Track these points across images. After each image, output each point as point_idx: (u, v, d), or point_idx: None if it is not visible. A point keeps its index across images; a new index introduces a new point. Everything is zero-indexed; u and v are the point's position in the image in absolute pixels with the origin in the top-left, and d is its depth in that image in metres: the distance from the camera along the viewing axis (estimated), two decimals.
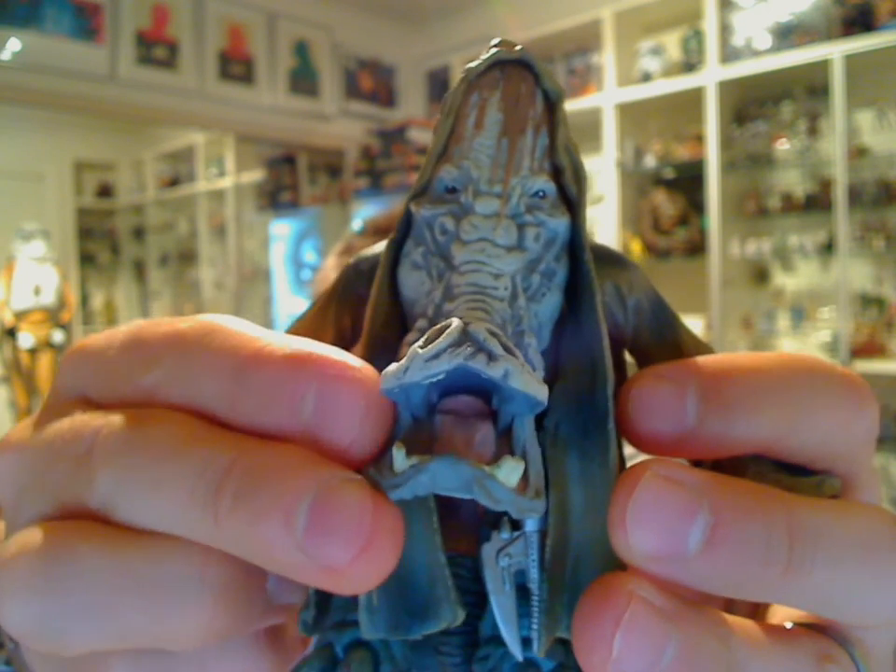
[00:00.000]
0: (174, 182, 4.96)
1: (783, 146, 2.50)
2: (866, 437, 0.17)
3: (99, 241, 5.33)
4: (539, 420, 0.16)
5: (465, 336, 0.14)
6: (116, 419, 0.16)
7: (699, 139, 2.63)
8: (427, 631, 0.16)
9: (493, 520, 0.17)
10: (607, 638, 0.13)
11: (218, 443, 0.15)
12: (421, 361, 0.13)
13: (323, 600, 0.17)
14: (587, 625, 0.14)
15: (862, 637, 0.17)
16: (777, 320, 2.63)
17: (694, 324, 2.70)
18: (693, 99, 2.56)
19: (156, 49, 3.06)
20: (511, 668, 0.17)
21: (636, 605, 0.13)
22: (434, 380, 0.13)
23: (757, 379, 0.16)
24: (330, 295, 0.20)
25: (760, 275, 2.70)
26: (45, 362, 4.10)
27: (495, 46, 0.17)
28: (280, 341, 0.16)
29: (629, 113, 2.79)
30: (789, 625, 0.17)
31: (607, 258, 0.19)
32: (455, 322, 0.14)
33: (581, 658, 0.14)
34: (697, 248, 2.69)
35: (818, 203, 2.44)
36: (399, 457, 0.13)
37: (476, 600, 0.17)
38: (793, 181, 2.58)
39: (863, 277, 2.42)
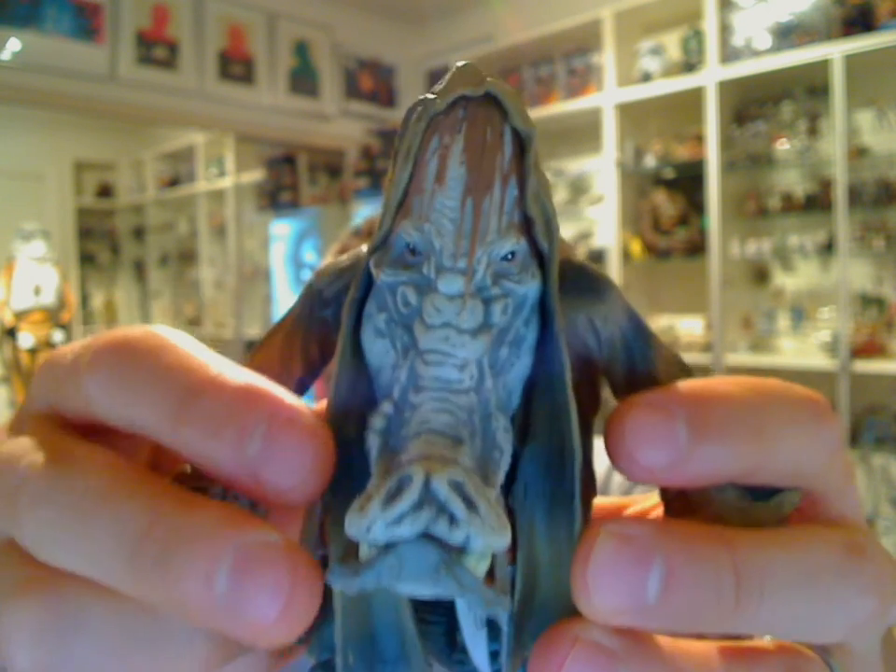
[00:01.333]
0: (174, 182, 4.96)
1: (783, 146, 2.50)
2: (830, 452, 0.17)
3: (99, 241, 5.33)
4: (509, 482, 0.16)
5: (426, 493, 0.14)
6: (41, 458, 0.16)
7: (699, 139, 2.63)
8: None
9: None
10: None
11: (139, 497, 0.15)
12: (383, 525, 0.13)
13: (312, 625, 0.18)
14: (535, 670, 0.15)
15: (843, 643, 0.17)
16: (777, 320, 2.63)
17: (694, 324, 2.70)
18: (693, 99, 2.56)
19: (156, 48, 3.06)
20: None
21: (578, 649, 0.14)
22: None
23: (736, 407, 0.16)
24: (297, 318, 0.19)
25: (760, 275, 2.70)
26: None
27: (458, 72, 0.16)
28: (234, 371, 0.16)
29: (629, 113, 2.79)
30: (768, 639, 0.17)
31: (582, 286, 0.18)
32: (416, 477, 0.14)
33: None
34: (697, 248, 2.69)
35: (818, 202, 2.44)
36: (364, 546, 0.14)
37: (449, 605, 0.18)
38: (793, 181, 2.58)
39: (863, 277, 2.42)
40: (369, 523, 0.14)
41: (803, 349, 2.56)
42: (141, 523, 0.14)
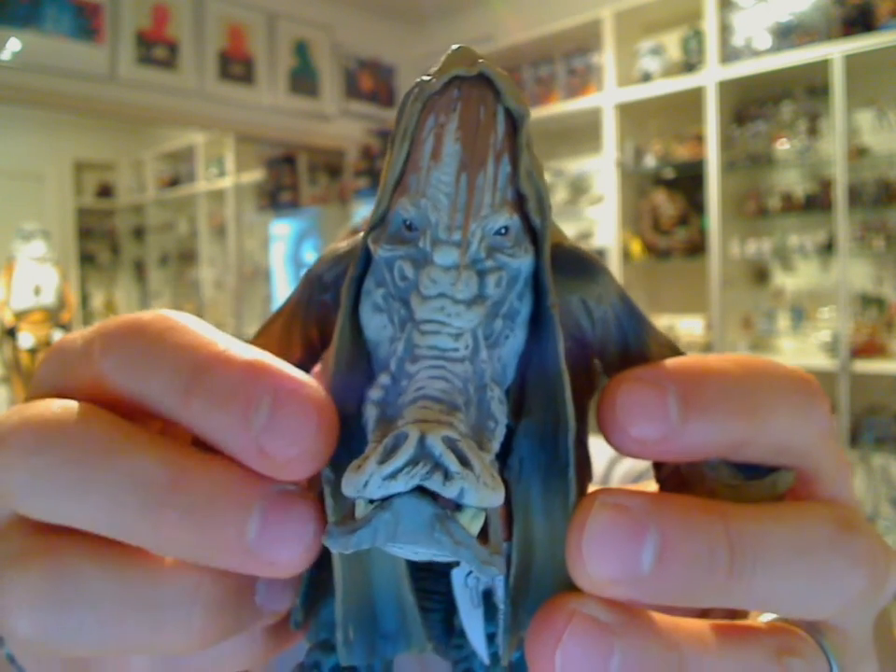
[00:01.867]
0: (174, 182, 4.96)
1: (783, 146, 2.50)
2: (821, 431, 0.17)
3: (99, 241, 5.33)
4: (504, 456, 0.16)
5: (421, 450, 0.14)
6: (40, 409, 0.16)
7: (699, 139, 2.63)
8: (399, 652, 0.17)
9: None
10: (549, 655, 0.15)
11: (157, 452, 0.16)
12: (379, 479, 0.14)
13: (310, 605, 0.18)
14: (534, 645, 0.15)
15: (835, 624, 0.17)
16: (777, 320, 2.63)
17: (694, 324, 2.70)
18: (693, 99, 2.56)
19: (156, 48, 3.06)
20: (481, 662, 0.18)
21: (576, 622, 0.15)
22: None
23: (727, 382, 0.16)
24: (296, 304, 0.19)
25: (760, 275, 2.70)
26: None
27: (452, 55, 0.16)
28: (240, 348, 0.16)
29: (629, 113, 2.79)
30: (766, 619, 0.17)
31: (575, 267, 0.18)
32: (412, 434, 0.14)
33: None
34: (697, 248, 2.69)
35: (818, 202, 2.44)
36: (362, 503, 0.14)
37: (451, 583, 0.18)
38: (793, 181, 2.58)
39: (863, 277, 2.42)
40: (365, 478, 0.14)
41: (803, 349, 2.56)
42: (163, 476, 0.15)
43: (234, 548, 0.15)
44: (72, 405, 0.17)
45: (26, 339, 4.01)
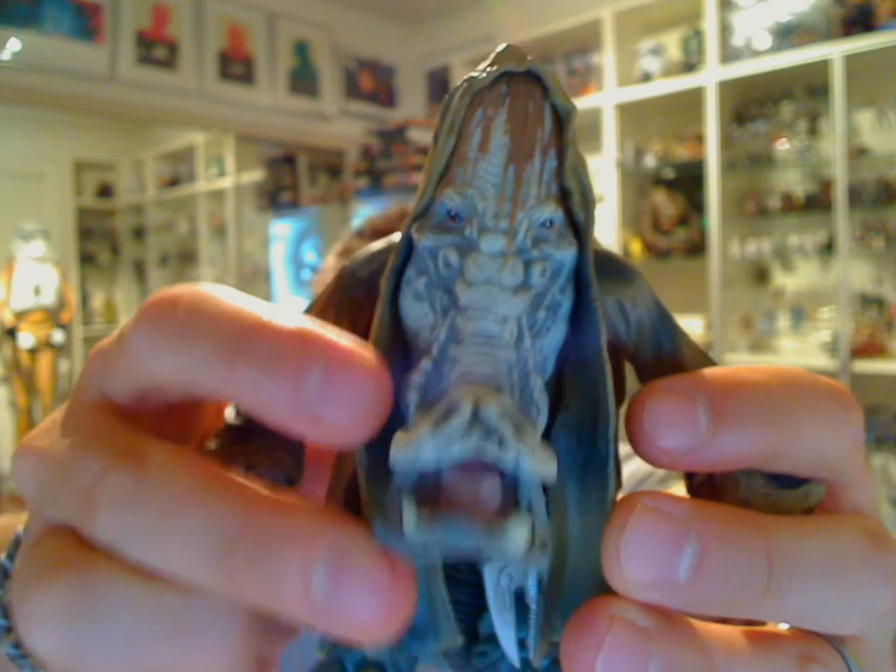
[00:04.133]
0: (174, 182, 4.96)
1: (783, 146, 2.50)
2: (853, 443, 0.17)
3: (99, 241, 5.33)
4: None
5: (476, 418, 0.14)
6: (116, 454, 0.16)
7: (699, 139, 2.63)
8: (428, 649, 0.17)
9: None
10: (590, 662, 0.14)
11: (226, 497, 0.15)
12: (434, 446, 0.14)
13: None
14: (573, 650, 0.15)
15: (858, 634, 0.17)
16: (777, 320, 2.63)
17: (694, 324, 2.70)
18: (693, 99, 2.56)
19: (156, 48, 3.06)
20: (509, 667, 0.18)
21: (617, 628, 0.14)
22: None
23: (758, 393, 0.16)
24: (328, 300, 0.19)
25: (760, 275, 2.70)
26: (45, 362, 4.10)
27: (501, 53, 0.16)
28: (286, 315, 0.16)
29: (629, 113, 2.79)
30: (785, 626, 0.17)
31: (611, 270, 0.18)
32: (466, 403, 0.14)
33: None
34: (697, 248, 2.69)
35: (818, 202, 2.44)
36: (410, 515, 0.14)
37: (474, 591, 0.18)
38: (793, 181, 2.58)
39: (863, 277, 2.42)
40: (417, 444, 0.14)
41: (803, 349, 2.56)
42: (232, 524, 0.14)
43: (301, 603, 0.14)
44: (140, 444, 0.16)
45: (26, 339, 4.01)
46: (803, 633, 0.17)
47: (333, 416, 0.15)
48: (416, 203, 0.17)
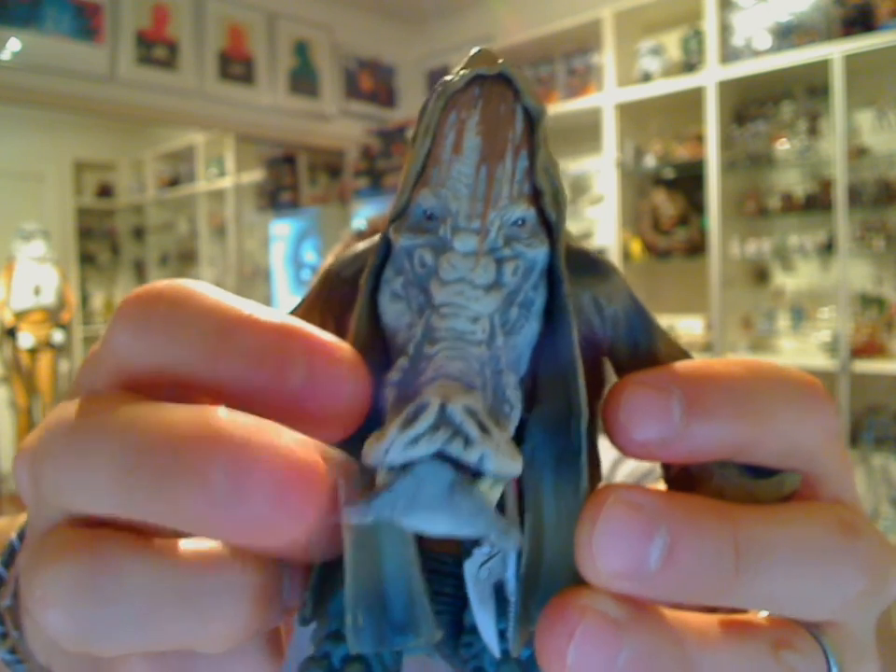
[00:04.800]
0: (174, 182, 4.96)
1: (783, 146, 2.50)
2: (825, 433, 0.18)
3: (99, 241, 5.33)
4: (517, 445, 0.17)
5: (442, 417, 0.14)
6: (67, 409, 0.16)
7: (699, 139, 2.63)
8: (409, 643, 0.17)
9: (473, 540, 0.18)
10: (562, 651, 0.15)
11: (138, 421, 0.15)
12: (401, 445, 0.14)
13: (319, 599, 0.18)
14: (545, 640, 0.15)
15: (835, 620, 0.17)
16: (777, 320, 2.63)
17: (694, 324, 2.70)
18: (693, 99, 2.56)
19: (156, 48, 3.06)
20: (492, 657, 0.18)
21: (588, 619, 0.15)
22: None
23: (731, 386, 0.17)
24: (314, 300, 0.20)
25: (760, 275, 2.70)
26: (45, 362, 4.10)
27: (474, 56, 0.17)
28: (267, 311, 0.16)
29: (629, 113, 2.79)
30: (764, 614, 0.17)
31: (586, 267, 0.19)
32: (433, 402, 0.14)
33: (543, 669, 0.15)
34: (697, 248, 2.69)
35: (818, 202, 2.45)
36: (382, 472, 0.14)
37: (459, 584, 0.18)
38: (793, 181, 2.58)
39: (863, 277, 2.43)
40: (387, 445, 0.14)
41: (803, 349, 2.56)
42: (139, 441, 0.14)
43: (202, 507, 0.14)
44: (95, 398, 0.16)
45: (26, 339, 4.01)
46: (778, 620, 0.17)
47: (319, 407, 0.15)
48: (394, 204, 0.17)
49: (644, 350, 0.19)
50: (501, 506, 0.16)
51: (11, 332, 4.02)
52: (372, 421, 0.16)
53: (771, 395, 0.17)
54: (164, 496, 0.14)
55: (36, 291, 4.03)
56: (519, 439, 0.17)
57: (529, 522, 0.17)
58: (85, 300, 5.08)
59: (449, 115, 0.17)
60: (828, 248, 2.42)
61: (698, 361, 0.17)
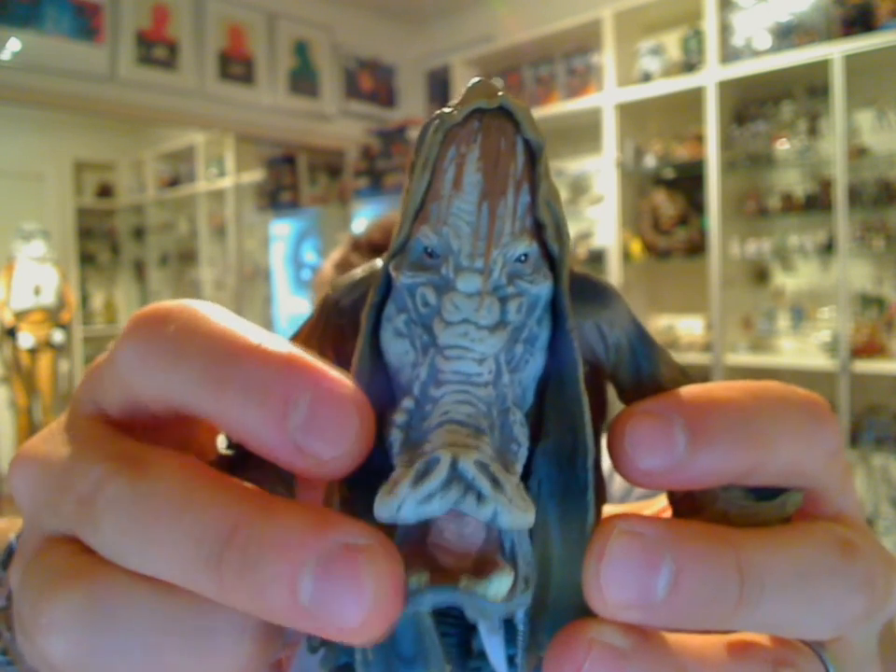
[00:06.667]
0: (174, 182, 4.96)
1: (783, 146, 2.50)
2: (828, 453, 0.18)
3: (99, 241, 5.33)
4: (524, 478, 0.17)
5: (453, 473, 0.14)
6: (114, 462, 0.16)
7: (699, 139, 2.63)
8: None
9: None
10: None
11: (219, 502, 0.15)
12: (414, 502, 0.14)
13: None
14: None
15: (837, 636, 0.17)
16: (777, 320, 2.63)
17: (694, 324, 2.70)
18: (693, 99, 2.56)
19: (156, 48, 3.06)
20: None
21: (595, 652, 0.15)
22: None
23: (733, 412, 0.17)
24: (312, 329, 0.20)
25: (760, 275, 2.70)
26: (45, 362, 4.11)
27: (472, 88, 0.17)
28: (276, 341, 0.16)
29: (629, 113, 2.79)
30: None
31: (588, 294, 0.18)
32: (444, 458, 0.15)
33: None
34: (697, 248, 2.69)
35: (818, 202, 2.45)
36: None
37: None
38: (793, 181, 2.58)
39: (863, 277, 2.42)
40: (399, 502, 0.14)
41: (803, 349, 2.56)
42: (223, 529, 0.14)
43: (289, 609, 0.14)
44: (137, 452, 0.16)
45: (26, 339, 4.01)
46: (779, 639, 0.17)
47: (318, 449, 0.15)
48: (393, 239, 0.17)
49: (647, 375, 0.19)
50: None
51: (11, 332, 4.02)
52: (375, 457, 0.16)
53: (773, 419, 0.17)
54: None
55: (36, 291, 4.03)
56: (526, 469, 0.17)
57: (536, 553, 0.17)
58: (85, 300, 5.08)
59: (448, 149, 0.16)
60: (828, 248, 2.42)
61: (700, 388, 0.17)
